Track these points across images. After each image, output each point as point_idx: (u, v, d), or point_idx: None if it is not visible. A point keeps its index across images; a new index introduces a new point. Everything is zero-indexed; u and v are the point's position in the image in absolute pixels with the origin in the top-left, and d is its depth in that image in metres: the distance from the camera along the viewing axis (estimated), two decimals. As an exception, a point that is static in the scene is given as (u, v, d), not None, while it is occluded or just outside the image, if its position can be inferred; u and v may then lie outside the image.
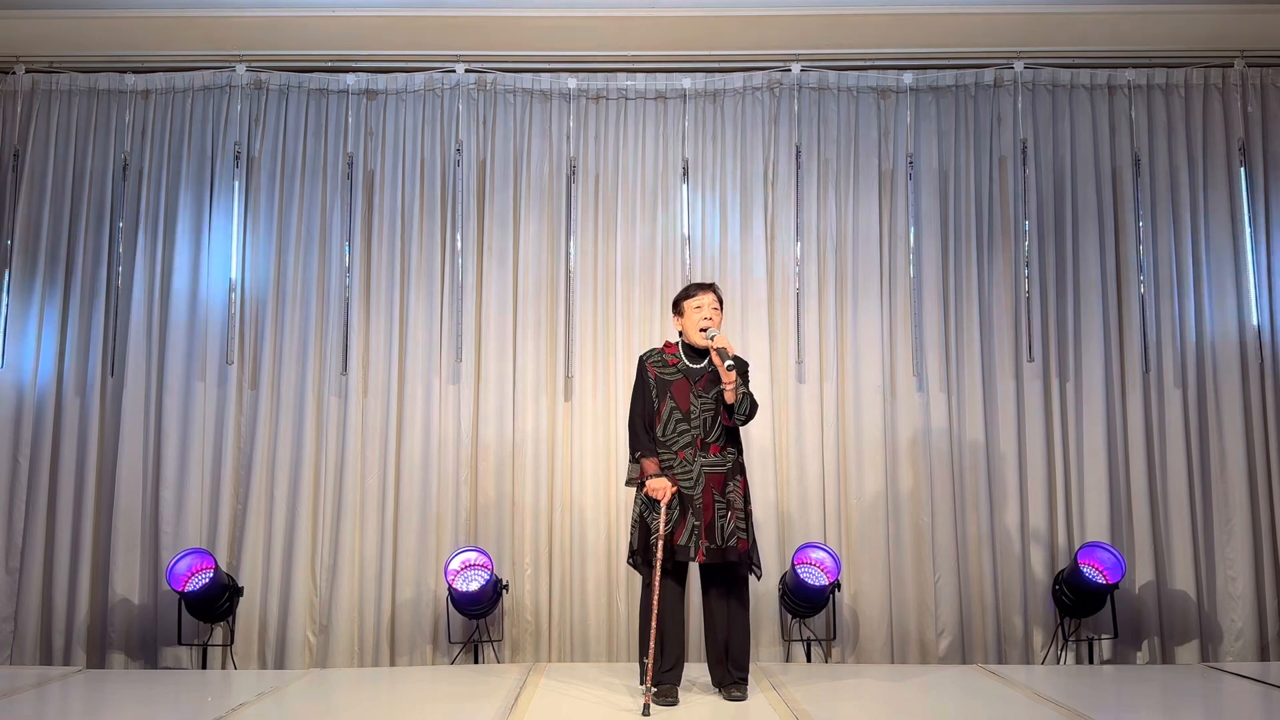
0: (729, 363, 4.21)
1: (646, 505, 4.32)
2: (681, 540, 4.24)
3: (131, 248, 5.85)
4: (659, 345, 4.58)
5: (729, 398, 4.28)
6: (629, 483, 4.39)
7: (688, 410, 4.33)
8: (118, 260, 5.83)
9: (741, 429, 4.44)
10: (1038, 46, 5.93)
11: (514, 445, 5.74)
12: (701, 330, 4.35)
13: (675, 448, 4.32)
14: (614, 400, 5.76)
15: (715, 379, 4.35)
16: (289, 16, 5.70)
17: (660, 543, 4.20)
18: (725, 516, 4.27)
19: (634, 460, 4.36)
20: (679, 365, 4.39)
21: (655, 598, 4.19)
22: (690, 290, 4.46)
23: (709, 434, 4.32)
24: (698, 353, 4.41)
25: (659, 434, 4.34)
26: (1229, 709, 4.57)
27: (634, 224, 5.93)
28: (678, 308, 4.47)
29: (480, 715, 4.14)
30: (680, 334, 4.49)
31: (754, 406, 4.35)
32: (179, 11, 5.68)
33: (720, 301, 4.45)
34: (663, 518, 4.23)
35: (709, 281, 4.62)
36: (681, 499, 4.27)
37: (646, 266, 5.89)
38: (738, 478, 4.35)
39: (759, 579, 4.51)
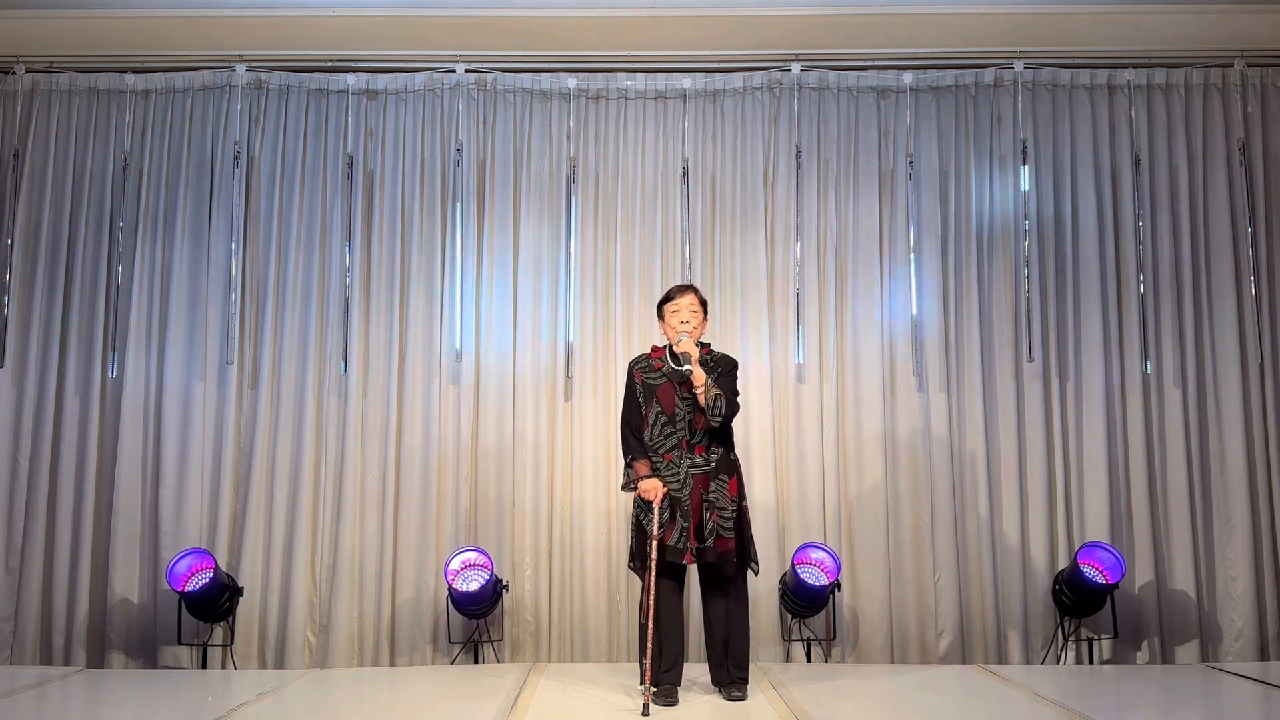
0: (686, 368, 4.27)
1: (641, 508, 4.35)
2: (672, 541, 4.25)
3: (131, 248, 5.85)
4: (648, 351, 4.58)
5: (700, 400, 4.28)
6: (625, 487, 4.41)
7: (673, 413, 4.34)
8: (118, 260, 5.83)
9: (738, 429, 4.44)
10: (1038, 46, 5.92)
11: (514, 445, 5.74)
12: (677, 333, 4.38)
13: (662, 451, 4.33)
14: (614, 400, 5.74)
15: None
16: (289, 16, 5.70)
17: (653, 544, 4.21)
18: (709, 515, 4.27)
19: (628, 465, 4.38)
20: (664, 369, 4.40)
21: (650, 598, 4.19)
22: (670, 294, 4.48)
23: (694, 435, 4.33)
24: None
25: (647, 438, 4.36)
26: (1229, 709, 4.57)
27: (634, 224, 5.92)
28: (660, 313, 4.49)
29: (480, 715, 4.14)
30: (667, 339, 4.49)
31: (732, 407, 4.34)
32: (179, 11, 5.69)
33: (703, 303, 4.46)
34: (655, 519, 4.24)
35: (688, 283, 4.63)
36: (671, 501, 4.28)
37: (646, 266, 5.89)
38: (722, 476, 4.32)
39: (756, 574, 4.48)
